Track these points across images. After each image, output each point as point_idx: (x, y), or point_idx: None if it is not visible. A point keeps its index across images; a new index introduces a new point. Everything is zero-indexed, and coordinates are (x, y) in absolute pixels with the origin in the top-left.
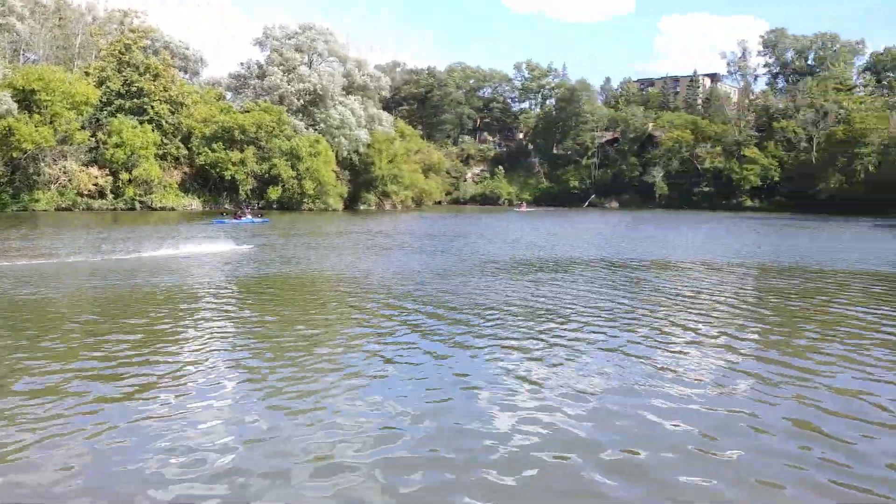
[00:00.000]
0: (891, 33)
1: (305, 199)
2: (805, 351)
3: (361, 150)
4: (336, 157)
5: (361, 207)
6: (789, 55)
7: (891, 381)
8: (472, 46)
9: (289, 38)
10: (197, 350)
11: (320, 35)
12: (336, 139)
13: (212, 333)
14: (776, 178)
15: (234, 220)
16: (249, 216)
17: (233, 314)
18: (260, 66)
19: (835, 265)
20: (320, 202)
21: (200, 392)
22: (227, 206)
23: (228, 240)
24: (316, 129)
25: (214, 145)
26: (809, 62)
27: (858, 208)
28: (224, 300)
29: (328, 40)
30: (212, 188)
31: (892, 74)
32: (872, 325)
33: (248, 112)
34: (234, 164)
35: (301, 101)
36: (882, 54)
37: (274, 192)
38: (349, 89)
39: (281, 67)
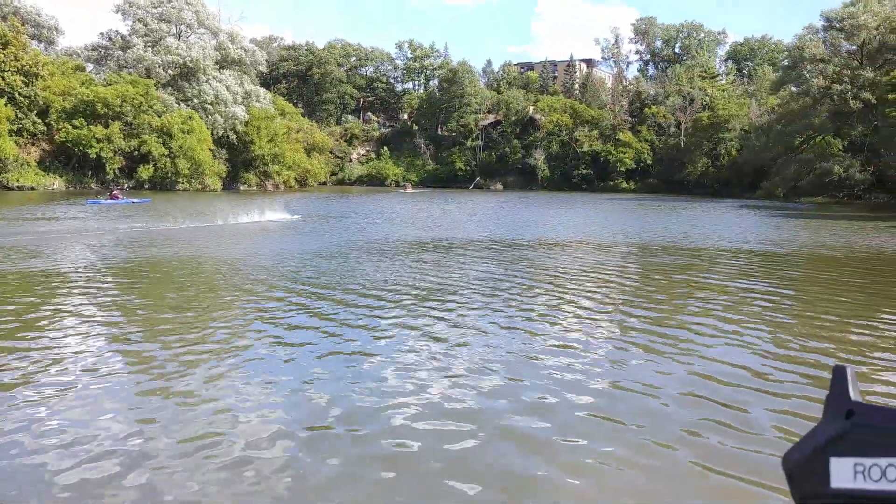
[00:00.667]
0: (749, 24)
1: (180, 179)
2: (687, 323)
3: (239, 127)
4: (212, 134)
5: (241, 188)
6: (658, 43)
7: (762, 350)
8: (353, 23)
9: (154, 7)
10: (78, 335)
11: (188, 4)
12: (211, 116)
13: (91, 319)
14: (649, 161)
15: (111, 201)
16: (121, 196)
17: (115, 299)
18: (123, 37)
19: (706, 243)
20: (196, 182)
21: (85, 380)
22: (93, 185)
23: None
24: (188, 105)
25: (75, 121)
26: (677, 51)
27: (723, 190)
28: (104, 284)
29: (198, 10)
30: (75, 167)
31: (750, 64)
32: (744, 298)
33: (112, 85)
34: (98, 140)
35: (170, 73)
36: (742, 45)
37: (145, 172)
38: (223, 63)
39: (145, 38)
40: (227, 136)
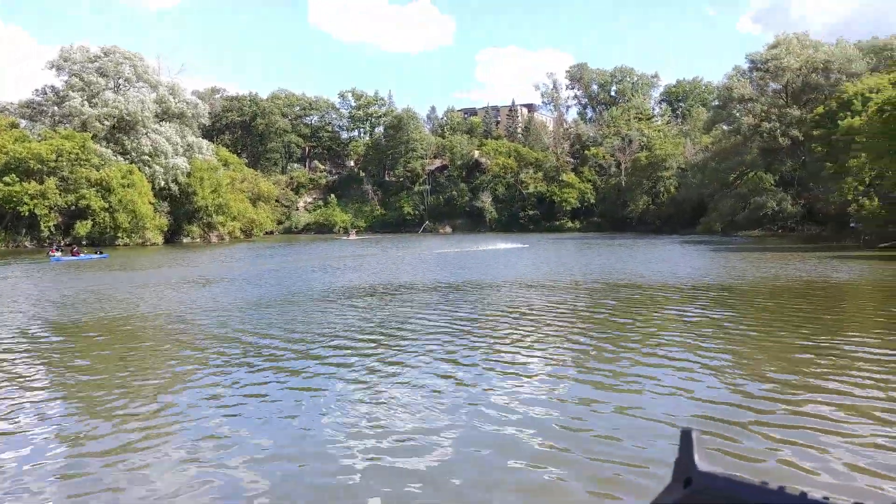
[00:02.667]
0: (679, 67)
1: (120, 234)
2: (631, 356)
3: (181, 179)
4: (153, 187)
5: (184, 240)
6: (595, 87)
7: (698, 379)
8: (296, 74)
9: (90, 62)
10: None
11: (126, 59)
12: (151, 168)
13: (22, 383)
14: (592, 201)
15: (72, 257)
16: (81, 252)
17: (49, 360)
18: (58, 92)
19: (648, 279)
20: (137, 236)
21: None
22: (27, 243)
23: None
24: (127, 159)
25: (7, 178)
26: (613, 94)
27: (664, 226)
28: (41, 346)
29: (136, 65)
30: (8, 225)
31: (683, 105)
32: (686, 330)
33: (46, 140)
34: (31, 197)
35: (107, 125)
36: (675, 86)
37: (82, 227)
38: (164, 116)
39: (82, 93)
40: (169, 188)
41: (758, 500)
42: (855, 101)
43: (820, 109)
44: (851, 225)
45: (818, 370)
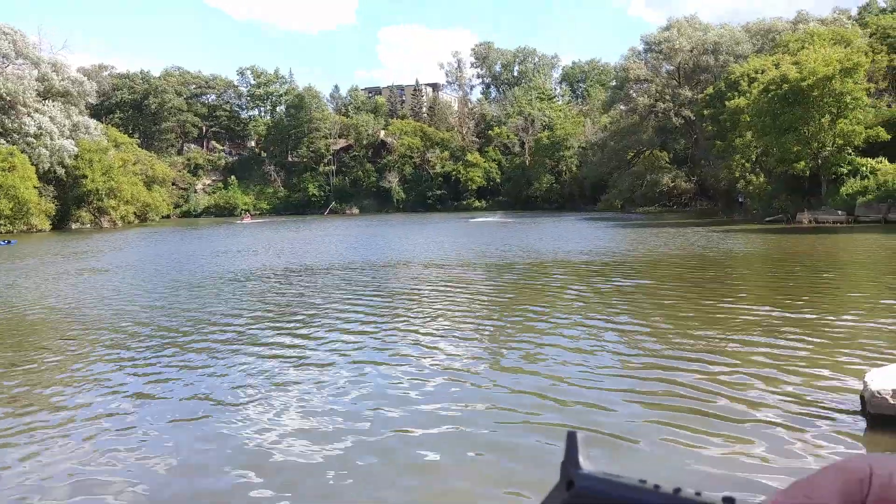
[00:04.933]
0: (578, 48)
1: (1, 221)
2: (539, 334)
3: (68, 161)
4: (37, 170)
5: (73, 227)
6: (498, 67)
7: (605, 352)
8: (191, 53)
9: None
10: None
11: (5, 35)
12: (35, 150)
13: None
14: (498, 180)
15: None
16: None
17: None
18: None
19: (554, 255)
20: (21, 223)
21: None
22: None
23: None
24: (8, 140)
25: None
26: (515, 74)
27: (567, 204)
28: None
29: (15, 40)
30: None
31: (583, 85)
32: (592, 307)
33: None
34: None
35: None
36: (572, 67)
37: None
38: (47, 95)
39: None
40: (55, 171)
41: (634, 499)
42: (742, 81)
43: (710, 90)
44: (739, 200)
45: (709, 337)
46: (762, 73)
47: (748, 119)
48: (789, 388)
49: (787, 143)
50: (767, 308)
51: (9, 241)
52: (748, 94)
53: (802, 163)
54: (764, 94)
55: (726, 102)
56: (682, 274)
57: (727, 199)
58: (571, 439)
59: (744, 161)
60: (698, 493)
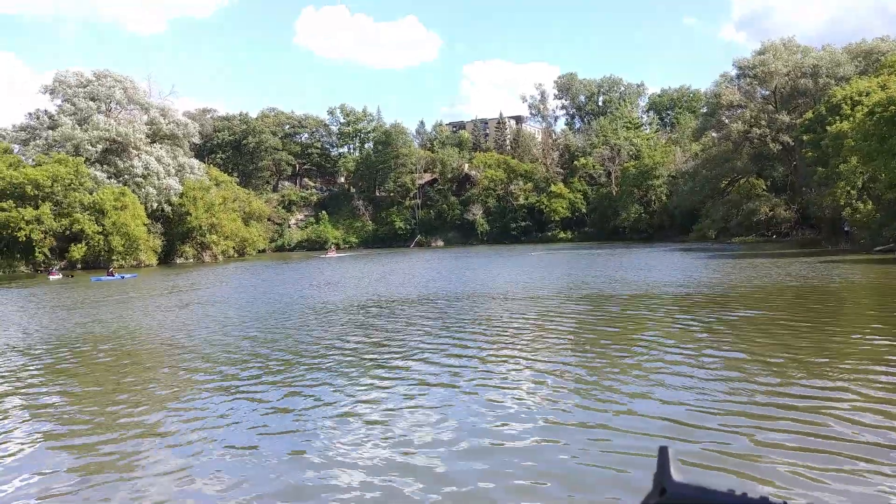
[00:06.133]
0: (665, 76)
1: (114, 257)
2: (647, 372)
3: (174, 199)
4: (146, 208)
5: (178, 261)
6: (582, 98)
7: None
8: (285, 94)
9: (82, 87)
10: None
11: (117, 83)
12: (143, 190)
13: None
14: (583, 210)
15: (108, 277)
16: (115, 274)
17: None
18: (50, 116)
19: (651, 287)
20: (131, 258)
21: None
22: (22, 268)
23: None
24: (119, 181)
25: (3, 203)
26: (600, 103)
27: (657, 234)
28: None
29: (126, 87)
30: (3, 250)
31: (671, 113)
32: (683, 340)
33: (41, 165)
34: (27, 222)
35: (98, 148)
36: (660, 95)
37: (77, 251)
38: (155, 138)
39: (73, 117)
40: (162, 209)
41: (723, 503)
42: (844, 104)
43: (809, 114)
44: (846, 229)
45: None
46: (867, 95)
47: (853, 143)
48: None
49: None
50: (887, 340)
51: (122, 276)
52: (852, 118)
53: None
54: (869, 117)
55: (828, 127)
56: (790, 306)
57: (831, 228)
58: (663, 453)
59: (849, 188)
60: (785, 502)
